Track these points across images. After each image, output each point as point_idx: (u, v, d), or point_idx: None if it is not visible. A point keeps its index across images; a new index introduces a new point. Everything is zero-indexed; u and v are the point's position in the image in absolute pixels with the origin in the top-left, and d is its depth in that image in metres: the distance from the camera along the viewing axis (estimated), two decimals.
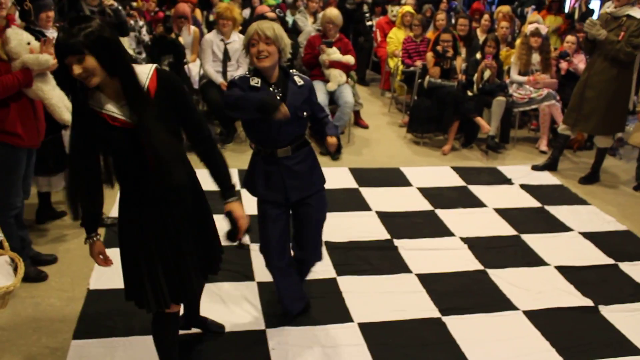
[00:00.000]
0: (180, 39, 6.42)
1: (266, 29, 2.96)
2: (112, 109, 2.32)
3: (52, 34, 4.06)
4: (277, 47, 3.00)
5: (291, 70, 3.21)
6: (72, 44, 2.12)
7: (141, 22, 6.98)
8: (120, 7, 5.34)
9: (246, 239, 4.18)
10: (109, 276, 3.87)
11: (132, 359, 3.19)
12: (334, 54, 6.47)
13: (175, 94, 2.44)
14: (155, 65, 2.42)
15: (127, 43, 6.36)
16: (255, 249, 4.34)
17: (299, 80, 3.17)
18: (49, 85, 3.57)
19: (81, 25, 2.13)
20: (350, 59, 6.54)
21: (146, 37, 6.84)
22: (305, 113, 3.19)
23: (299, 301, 3.60)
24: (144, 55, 6.64)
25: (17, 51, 3.38)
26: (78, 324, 3.46)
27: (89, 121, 2.34)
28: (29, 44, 3.45)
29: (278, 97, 3.05)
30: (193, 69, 6.76)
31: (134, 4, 7.83)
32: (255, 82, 3.07)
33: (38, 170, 4.10)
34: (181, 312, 2.94)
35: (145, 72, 2.37)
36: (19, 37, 3.42)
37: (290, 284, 3.49)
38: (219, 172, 2.68)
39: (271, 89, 3.08)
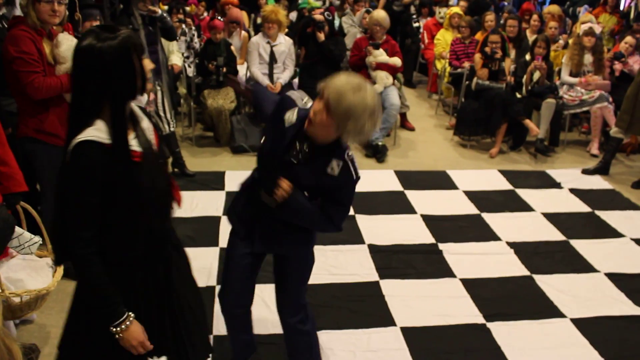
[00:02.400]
0: (232, 47, 6.51)
1: (332, 100, 2.27)
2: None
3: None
4: (336, 123, 2.32)
5: (347, 154, 2.48)
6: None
7: (194, 28, 7.08)
8: (165, 14, 5.42)
9: None
10: None
11: None
12: (380, 55, 6.44)
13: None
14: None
15: (177, 47, 6.46)
16: None
17: (333, 169, 2.46)
18: None
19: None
20: (397, 60, 6.50)
21: (197, 44, 6.94)
22: (307, 193, 2.57)
23: (247, 349, 3.13)
24: (191, 59, 6.73)
25: (65, 55, 3.47)
26: None
27: (114, 174, 1.94)
28: None
29: (294, 160, 2.49)
30: (240, 71, 6.84)
31: (188, 9, 7.94)
32: (290, 119, 2.50)
33: None
34: None
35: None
36: (69, 43, 3.51)
37: (239, 332, 3.02)
38: None
39: (298, 145, 2.49)
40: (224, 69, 6.25)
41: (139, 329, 2.04)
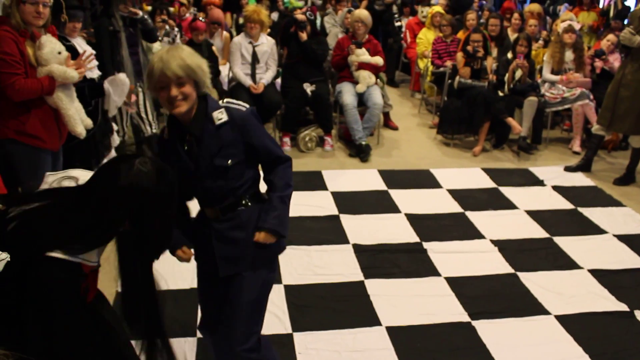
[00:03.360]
0: (214, 48, 6.47)
1: (176, 68, 2.23)
2: None
3: (76, 41, 4.13)
4: (192, 82, 2.30)
5: (220, 101, 2.46)
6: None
7: (176, 29, 7.02)
8: (147, 16, 5.38)
9: None
10: None
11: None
12: (363, 55, 6.43)
13: None
14: None
15: (158, 49, 6.41)
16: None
17: (218, 117, 2.38)
18: (69, 97, 3.64)
19: None
20: (379, 60, 6.50)
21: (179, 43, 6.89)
22: (230, 161, 2.40)
23: None
24: None
25: (47, 58, 3.45)
26: None
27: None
28: (60, 53, 3.52)
29: (185, 148, 2.42)
30: (223, 71, 6.80)
31: (172, 9, 7.88)
32: (165, 133, 2.47)
33: None
34: None
35: None
36: (52, 45, 3.49)
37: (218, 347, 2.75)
38: None
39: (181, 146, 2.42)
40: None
41: None
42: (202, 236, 2.56)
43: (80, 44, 4.18)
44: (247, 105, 2.47)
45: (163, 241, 1.99)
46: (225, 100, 2.47)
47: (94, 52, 4.04)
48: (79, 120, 3.68)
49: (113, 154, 4.36)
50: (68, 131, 3.73)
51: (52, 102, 3.56)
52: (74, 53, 3.85)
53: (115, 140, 4.44)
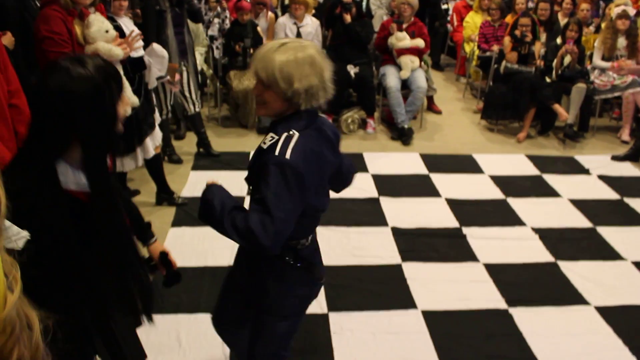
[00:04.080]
0: (259, 28, 6.49)
1: (260, 69, 1.98)
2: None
3: (122, 21, 4.18)
4: (276, 94, 1.99)
5: (289, 131, 2.01)
6: None
7: (227, 11, 7.05)
8: None
9: None
10: (177, 254, 3.95)
11: (196, 335, 3.26)
12: (403, 39, 6.37)
13: None
14: None
15: (203, 30, 6.46)
16: (321, 232, 4.35)
17: (265, 142, 2.04)
18: None
19: None
20: (419, 42, 6.41)
21: (227, 26, 6.93)
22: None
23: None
24: (220, 41, 6.71)
25: (95, 37, 3.51)
26: None
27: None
28: (107, 32, 3.57)
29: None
30: None
31: None
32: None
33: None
34: None
35: None
36: (99, 24, 3.55)
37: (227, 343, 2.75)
38: (138, 217, 2.30)
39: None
40: (251, 51, 6.24)
41: None
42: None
43: (126, 23, 4.24)
44: (286, 156, 1.96)
45: (108, 143, 1.82)
46: (290, 134, 2.01)
47: (139, 32, 4.10)
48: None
49: (157, 131, 4.43)
50: None
51: None
52: (120, 33, 3.91)
53: (157, 118, 4.50)
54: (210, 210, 2.04)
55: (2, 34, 3.58)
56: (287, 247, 2.15)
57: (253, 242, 1.93)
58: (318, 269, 2.33)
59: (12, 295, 0.85)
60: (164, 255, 2.29)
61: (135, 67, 4.15)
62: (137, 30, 4.10)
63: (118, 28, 4.00)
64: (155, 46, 4.30)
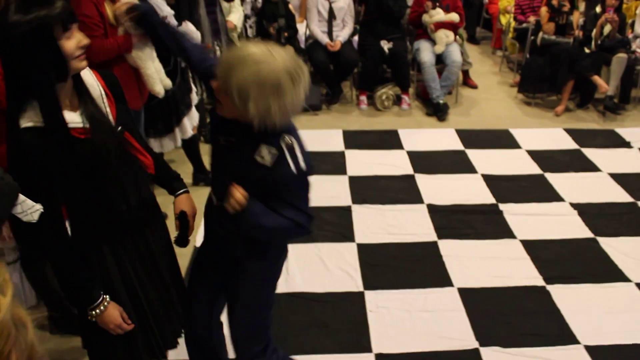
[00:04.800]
0: (290, 6, 6.45)
1: (220, 74, 1.85)
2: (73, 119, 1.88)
3: (155, 2, 4.17)
4: (231, 102, 1.84)
5: (284, 139, 1.95)
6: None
7: None
8: None
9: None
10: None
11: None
12: (436, 15, 6.27)
13: (123, 97, 2.14)
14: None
15: (238, 8, 6.45)
16: (357, 210, 4.36)
17: (264, 157, 1.94)
18: (148, 56, 3.69)
19: None
20: (454, 16, 6.31)
21: (259, 4, 6.90)
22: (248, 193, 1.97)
23: None
24: (253, 19, 6.70)
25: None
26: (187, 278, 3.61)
27: (54, 149, 1.81)
28: None
29: (225, 142, 2.06)
30: (300, 29, 6.79)
31: None
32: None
33: (149, 132, 4.28)
34: None
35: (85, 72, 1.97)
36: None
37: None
38: (164, 163, 2.33)
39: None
40: (286, 34, 6.21)
41: (115, 311, 2.00)
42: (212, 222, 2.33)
43: (159, 4, 4.24)
44: (303, 166, 1.97)
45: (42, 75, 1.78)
46: (287, 141, 1.96)
47: (172, 12, 4.10)
48: (158, 79, 3.76)
49: (193, 112, 4.47)
50: (149, 91, 3.82)
51: (132, 61, 3.65)
52: None
53: (194, 99, 4.53)
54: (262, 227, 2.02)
55: None
56: None
57: (302, 232, 2.07)
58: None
59: (5, 298, 0.86)
60: (183, 214, 2.26)
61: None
62: (168, 11, 4.11)
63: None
64: (189, 25, 4.31)
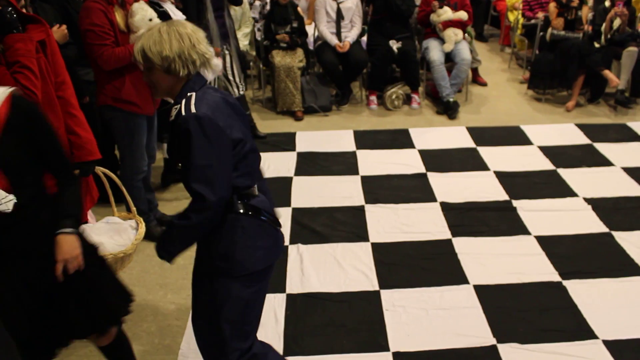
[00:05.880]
0: (299, 8, 6.46)
1: (137, 53, 2.13)
2: None
3: (168, 6, 4.20)
4: (157, 71, 2.13)
5: (186, 96, 2.13)
6: None
7: None
8: None
9: None
10: None
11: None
12: (444, 14, 6.27)
13: (31, 125, 2.09)
14: (11, 90, 2.05)
15: (248, 8, 6.46)
16: (370, 210, 4.37)
17: (172, 115, 2.16)
18: None
19: None
20: (462, 14, 6.31)
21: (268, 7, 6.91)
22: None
23: None
24: (261, 23, 6.71)
25: (139, 25, 3.55)
26: None
27: None
28: (150, 20, 3.60)
29: None
30: (308, 31, 6.80)
31: None
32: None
33: (162, 137, 4.34)
34: None
35: None
36: (143, 13, 3.59)
37: None
38: (63, 198, 2.22)
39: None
40: (299, 40, 6.21)
41: None
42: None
43: (172, 9, 4.27)
44: (193, 110, 2.07)
45: None
46: (187, 96, 2.13)
47: (183, 16, 4.13)
48: None
49: None
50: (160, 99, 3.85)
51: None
52: (167, 18, 3.95)
53: None
54: (176, 240, 2.21)
55: (58, 26, 3.66)
56: (236, 199, 2.20)
57: (203, 205, 2.05)
58: (272, 215, 2.33)
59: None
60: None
61: None
62: (180, 15, 4.14)
63: (165, 14, 4.04)
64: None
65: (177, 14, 4.21)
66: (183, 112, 2.06)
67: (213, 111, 2.08)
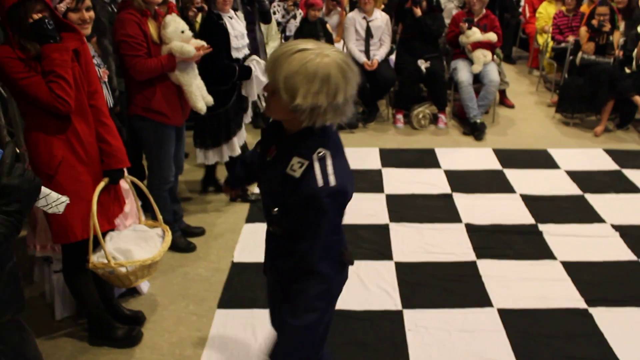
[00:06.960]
0: (328, 25, 6.49)
1: (269, 72, 1.79)
2: None
3: (229, 16, 4.23)
4: (279, 102, 1.78)
5: (318, 152, 1.83)
6: None
7: (298, 8, 7.07)
8: None
9: None
10: (251, 250, 4.06)
11: (272, 330, 3.30)
12: (473, 35, 6.26)
13: None
14: None
15: (275, 30, 6.50)
16: (394, 228, 4.35)
17: (294, 169, 1.82)
18: (191, 74, 3.76)
19: None
20: (492, 36, 6.30)
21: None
22: (275, 209, 1.95)
23: None
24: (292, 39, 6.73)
25: (171, 37, 3.59)
26: (222, 294, 3.64)
27: None
28: (183, 32, 3.65)
29: (268, 158, 1.98)
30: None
31: None
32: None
33: (196, 142, 4.42)
34: None
35: None
36: (175, 25, 3.63)
37: None
38: None
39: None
40: None
41: None
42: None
43: (231, 23, 4.27)
44: (332, 182, 1.79)
45: None
46: (321, 155, 1.83)
47: (244, 31, 4.21)
48: (200, 96, 3.82)
49: (243, 131, 4.55)
50: (190, 108, 3.88)
51: (175, 79, 3.72)
52: (225, 33, 4.13)
53: (247, 119, 4.63)
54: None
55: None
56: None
57: (328, 285, 1.91)
58: (349, 255, 2.13)
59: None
60: None
61: (242, 74, 4.25)
62: (240, 29, 4.23)
63: (222, 27, 4.13)
64: (255, 56, 4.41)
65: (236, 28, 4.25)
66: (319, 182, 1.76)
67: (348, 182, 1.83)
